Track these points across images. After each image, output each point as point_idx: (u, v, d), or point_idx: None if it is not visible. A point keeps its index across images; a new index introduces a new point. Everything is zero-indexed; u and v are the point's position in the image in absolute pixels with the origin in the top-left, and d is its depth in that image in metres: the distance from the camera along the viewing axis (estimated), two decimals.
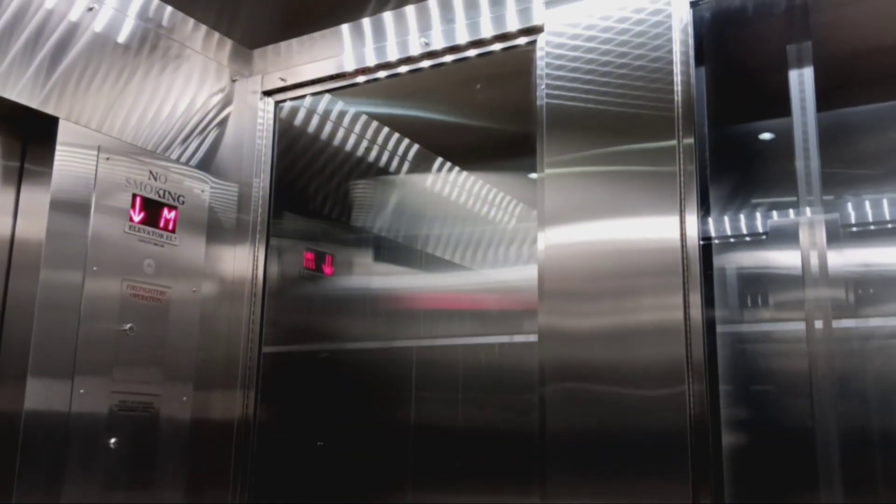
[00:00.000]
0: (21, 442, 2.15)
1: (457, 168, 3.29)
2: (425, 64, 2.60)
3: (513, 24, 2.41)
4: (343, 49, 2.75)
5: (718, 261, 2.14)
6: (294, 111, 2.97)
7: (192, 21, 2.75)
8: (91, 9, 2.44)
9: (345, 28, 2.75)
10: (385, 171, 3.30)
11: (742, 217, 2.28)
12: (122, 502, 2.36)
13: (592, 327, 2.08)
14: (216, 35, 2.84)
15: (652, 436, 1.95)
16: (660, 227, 2.05)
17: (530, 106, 2.33)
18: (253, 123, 2.90)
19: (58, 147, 2.31)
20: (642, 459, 1.96)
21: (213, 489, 2.67)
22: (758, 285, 2.25)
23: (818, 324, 2.04)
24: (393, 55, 2.64)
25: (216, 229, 2.75)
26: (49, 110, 2.31)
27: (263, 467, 2.73)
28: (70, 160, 2.34)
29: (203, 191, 2.70)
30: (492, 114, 3.02)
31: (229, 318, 2.77)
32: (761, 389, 2.20)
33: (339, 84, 2.79)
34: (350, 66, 2.73)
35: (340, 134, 3.13)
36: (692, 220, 2.02)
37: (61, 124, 2.33)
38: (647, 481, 1.95)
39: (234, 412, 2.72)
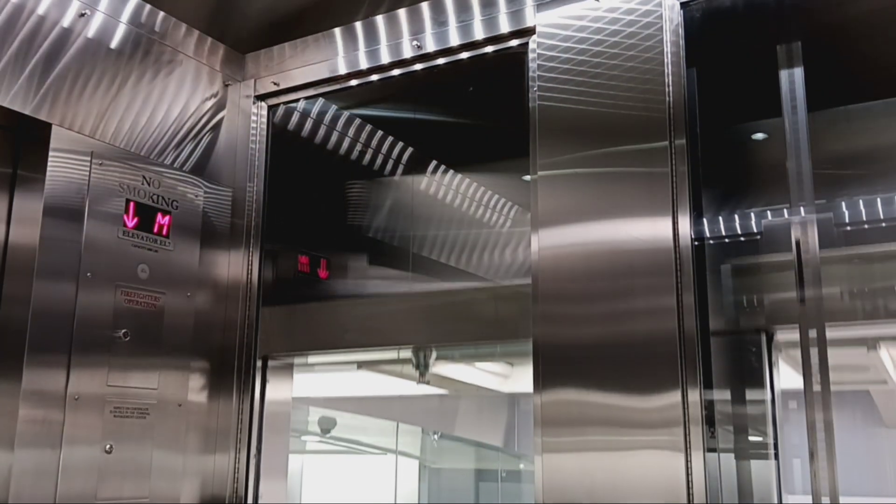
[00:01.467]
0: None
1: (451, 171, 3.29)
2: (418, 66, 2.61)
3: (504, 27, 2.41)
4: (336, 52, 2.75)
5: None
6: (288, 115, 2.97)
7: (184, 26, 2.75)
8: (83, 14, 2.44)
9: (337, 32, 2.75)
10: (380, 173, 3.30)
11: (736, 218, 2.28)
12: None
13: (586, 328, 2.08)
14: (209, 40, 2.83)
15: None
16: (653, 228, 2.05)
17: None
18: (246, 128, 2.89)
19: (51, 153, 2.31)
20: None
21: None
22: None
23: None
24: (385, 58, 2.64)
25: (210, 234, 2.75)
26: (42, 116, 2.31)
27: None
28: (63, 166, 2.34)
29: (197, 196, 2.70)
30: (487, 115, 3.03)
31: (224, 322, 2.77)
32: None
33: (332, 87, 2.79)
34: (343, 70, 2.73)
35: (334, 137, 3.13)
36: (685, 221, 2.02)
37: (54, 130, 2.33)
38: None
39: (229, 418, 2.72)
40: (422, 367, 3.18)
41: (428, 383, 3.25)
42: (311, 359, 3.10)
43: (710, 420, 1.99)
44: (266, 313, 2.78)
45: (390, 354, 3.32)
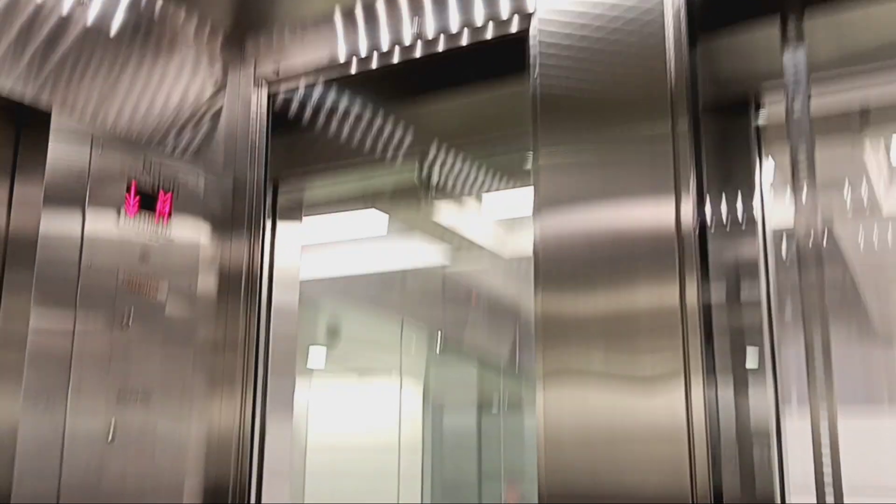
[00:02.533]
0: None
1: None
2: (418, 50, 2.59)
3: (505, 9, 2.39)
4: (336, 37, 2.74)
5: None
6: (288, 101, 2.96)
7: (184, 11, 2.73)
8: (82, 1, 2.43)
9: (337, 16, 2.73)
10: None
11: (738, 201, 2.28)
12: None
13: (588, 314, 2.08)
14: (208, 25, 2.82)
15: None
16: (655, 212, 2.04)
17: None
18: (247, 114, 2.88)
19: (51, 140, 2.30)
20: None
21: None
22: None
23: None
24: (386, 42, 2.63)
25: (211, 220, 2.74)
26: (42, 103, 2.30)
27: None
28: (63, 153, 2.34)
29: (197, 182, 2.69)
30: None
31: (226, 309, 2.77)
32: None
33: (333, 72, 2.77)
34: (343, 55, 2.72)
35: (335, 123, 3.12)
36: (688, 205, 2.01)
37: (54, 117, 2.32)
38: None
39: (234, 408, 2.73)
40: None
41: (434, 199, 3.32)
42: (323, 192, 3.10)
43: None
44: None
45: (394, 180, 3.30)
